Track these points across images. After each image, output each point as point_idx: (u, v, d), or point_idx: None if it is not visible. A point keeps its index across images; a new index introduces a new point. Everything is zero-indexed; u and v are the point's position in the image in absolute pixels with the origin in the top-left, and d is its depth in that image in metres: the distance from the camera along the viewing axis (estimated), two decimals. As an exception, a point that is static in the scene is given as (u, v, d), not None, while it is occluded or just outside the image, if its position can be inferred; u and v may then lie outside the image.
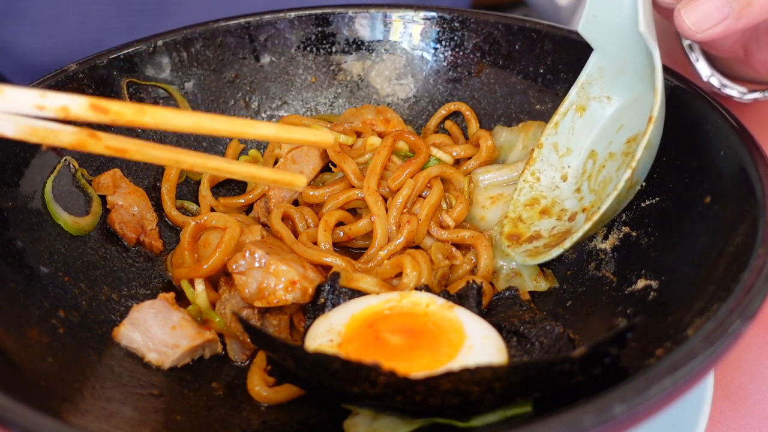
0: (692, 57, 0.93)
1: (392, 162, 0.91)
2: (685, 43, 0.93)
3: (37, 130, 0.59)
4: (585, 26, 0.81)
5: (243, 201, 0.93)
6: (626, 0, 0.76)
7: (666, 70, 0.82)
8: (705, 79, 0.93)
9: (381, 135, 0.94)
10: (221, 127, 0.63)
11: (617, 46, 0.80)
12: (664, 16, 0.77)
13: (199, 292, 0.79)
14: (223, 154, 0.99)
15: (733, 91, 0.92)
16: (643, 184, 0.80)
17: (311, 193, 0.90)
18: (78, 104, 0.58)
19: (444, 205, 0.89)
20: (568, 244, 0.76)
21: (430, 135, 0.98)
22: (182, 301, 0.80)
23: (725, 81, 0.93)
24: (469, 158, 0.93)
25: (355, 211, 0.91)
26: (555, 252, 0.77)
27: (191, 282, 0.80)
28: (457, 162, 0.94)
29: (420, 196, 0.88)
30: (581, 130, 0.86)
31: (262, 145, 1.01)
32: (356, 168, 0.90)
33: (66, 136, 0.60)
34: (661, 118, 0.73)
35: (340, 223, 0.88)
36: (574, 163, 0.86)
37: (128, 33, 1.22)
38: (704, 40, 0.71)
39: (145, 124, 0.61)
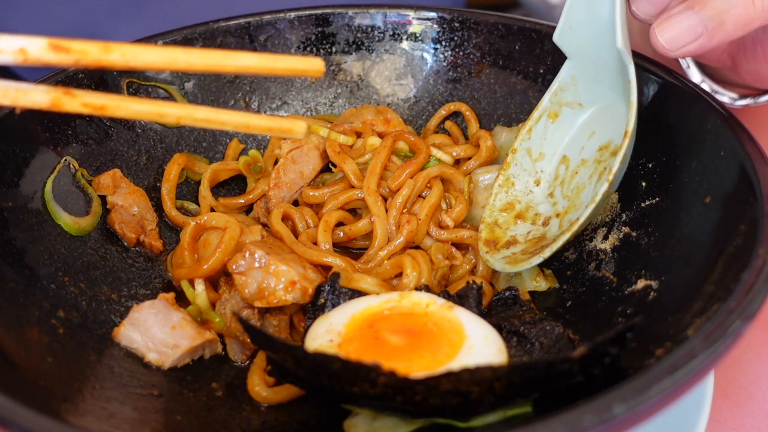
0: (683, 64, 0.94)
1: (392, 162, 0.91)
2: None
3: (7, 91, 0.56)
4: (560, 35, 0.82)
5: (243, 201, 0.93)
6: (603, 13, 0.77)
7: (666, 69, 0.82)
8: None
9: (381, 135, 0.94)
10: (196, 60, 0.58)
11: (591, 55, 0.81)
12: (641, 23, 0.77)
13: (199, 292, 0.79)
14: (223, 154, 0.99)
15: (724, 97, 0.93)
16: (643, 184, 0.80)
17: (311, 193, 0.90)
18: (36, 45, 0.54)
19: (444, 206, 0.89)
20: (547, 253, 0.77)
21: (430, 135, 0.98)
22: (182, 301, 0.80)
23: (716, 87, 0.93)
24: (469, 158, 0.93)
25: (355, 211, 0.91)
26: (535, 260, 0.78)
27: (191, 282, 0.80)
28: (457, 162, 0.94)
29: (420, 196, 0.88)
30: (554, 136, 0.88)
31: (262, 145, 1.01)
32: (356, 168, 0.90)
33: (39, 95, 0.56)
34: (634, 131, 0.75)
35: (340, 224, 0.87)
36: (547, 168, 0.88)
37: (113, 15, 1.23)
38: (679, 57, 0.73)
39: (112, 62, 0.56)
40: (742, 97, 0.93)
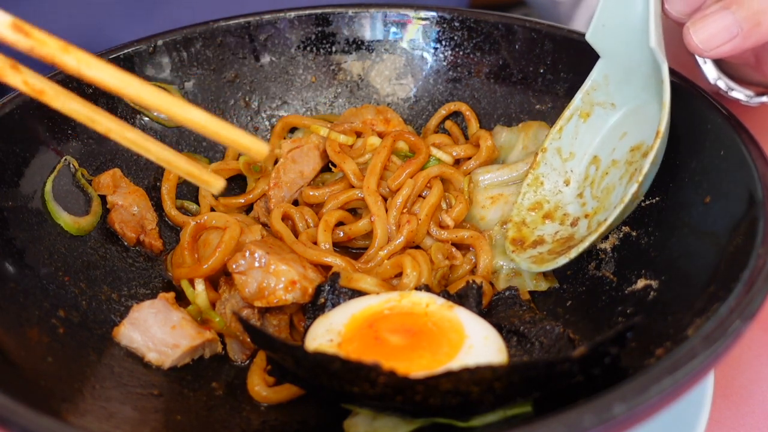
0: (699, 60, 0.93)
1: (392, 162, 0.91)
2: None
3: None
4: (593, 34, 0.81)
5: (243, 201, 0.93)
6: (637, 12, 0.76)
7: (668, 70, 0.82)
8: (712, 82, 0.93)
9: (381, 135, 0.94)
10: (146, 96, 0.57)
11: (624, 55, 0.80)
12: (674, 23, 0.77)
13: (198, 292, 0.79)
14: (223, 154, 0.99)
15: (741, 94, 0.92)
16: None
17: (311, 193, 0.90)
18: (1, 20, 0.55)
19: (444, 205, 0.89)
20: (574, 254, 0.77)
21: (430, 135, 0.98)
22: (182, 301, 0.80)
23: (732, 84, 0.92)
24: (469, 158, 0.93)
25: (355, 211, 0.91)
26: (561, 260, 0.78)
27: (191, 282, 0.80)
28: (457, 162, 0.94)
29: (420, 196, 0.88)
30: (585, 136, 0.87)
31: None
32: (356, 168, 0.90)
33: None
34: (667, 132, 0.73)
35: (340, 223, 0.87)
36: (577, 168, 0.87)
37: (127, 18, 1.23)
38: (712, 57, 0.71)
39: (64, 63, 0.56)
40: (759, 94, 0.92)
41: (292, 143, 0.93)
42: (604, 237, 0.82)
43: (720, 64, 0.93)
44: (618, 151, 0.84)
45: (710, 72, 0.93)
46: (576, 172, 0.87)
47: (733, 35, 0.69)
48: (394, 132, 0.92)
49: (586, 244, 0.76)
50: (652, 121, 0.76)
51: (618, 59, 0.82)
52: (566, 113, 0.87)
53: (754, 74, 0.88)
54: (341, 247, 0.88)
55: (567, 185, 0.87)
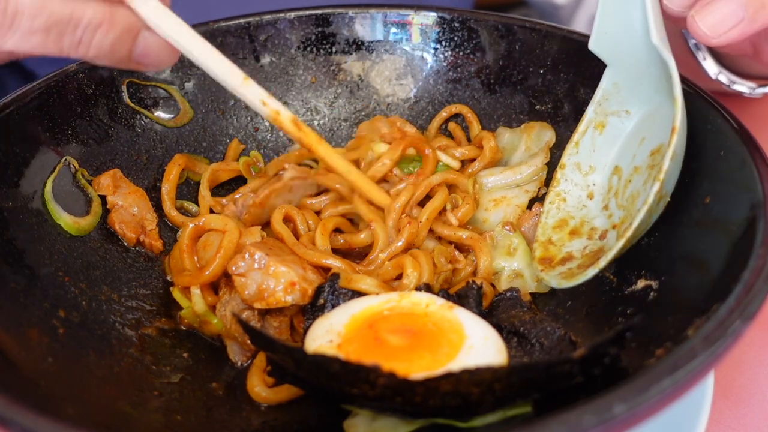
0: (699, 56, 0.93)
1: (393, 175, 0.90)
2: (691, 42, 0.93)
3: None
4: (596, 43, 0.80)
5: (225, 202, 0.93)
6: (636, 13, 0.75)
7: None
8: (713, 77, 0.92)
9: (389, 141, 0.93)
10: (361, 184, 0.83)
11: (630, 59, 0.79)
12: (671, 21, 0.77)
13: (195, 297, 0.79)
14: (223, 155, 0.99)
15: (743, 87, 0.92)
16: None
17: (309, 201, 0.90)
18: (287, 116, 0.75)
19: (449, 206, 0.88)
20: (603, 263, 0.74)
21: (433, 138, 0.98)
22: (175, 305, 0.81)
23: (734, 78, 0.92)
24: (473, 160, 0.93)
25: (352, 221, 0.90)
26: (591, 272, 0.75)
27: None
28: (462, 163, 0.94)
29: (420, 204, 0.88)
30: (603, 147, 0.85)
31: (262, 146, 1.01)
32: (343, 183, 0.88)
33: None
34: (683, 127, 0.72)
35: (341, 229, 0.87)
36: (599, 180, 0.85)
37: None
38: (720, 44, 0.71)
39: (317, 150, 0.78)
40: (761, 85, 0.92)
41: (300, 171, 0.91)
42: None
43: (720, 58, 0.93)
44: (638, 158, 0.81)
45: (710, 67, 0.92)
46: (598, 185, 0.85)
47: (740, 19, 0.69)
48: (403, 141, 0.91)
49: (614, 252, 0.73)
50: (669, 121, 0.74)
51: (625, 65, 0.80)
52: (580, 127, 0.85)
53: (753, 65, 0.88)
54: (342, 254, 0.88)
55: (591, 199, 0.85)
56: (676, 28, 0.91)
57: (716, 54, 0.93)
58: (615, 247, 0.74)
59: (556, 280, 0.79)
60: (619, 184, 0.83)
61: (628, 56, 0.79)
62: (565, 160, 0.86)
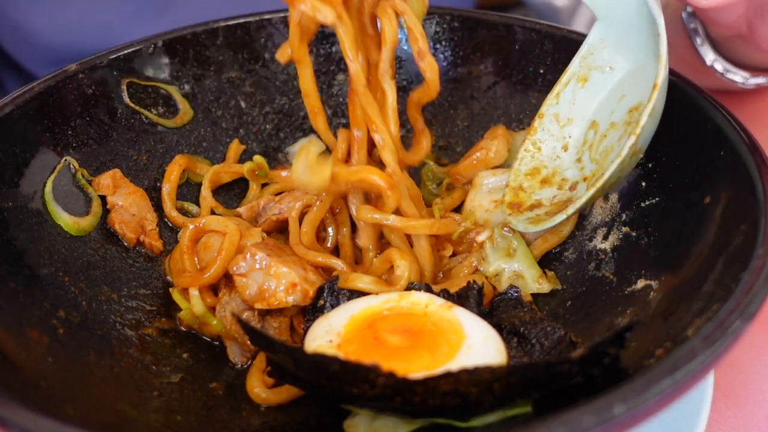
0: (697, 41, 0.93)
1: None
2: (690, 26, 0.93)
3: None
4: None
5: (242, 210, 0.92)
6: None
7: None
8: (709, 63, 0.92)
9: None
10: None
11: (621, 16, 0.80)
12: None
13: (194, 298, 0.79)
14: (223, 155, 0.98)
15: (737, 76, 0.92)
16: (643, 184, 0.80)
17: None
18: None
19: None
20: (570, 210, 0.76)
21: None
22: (173, 305, 0.81)
23: (729, 66, 0.92)
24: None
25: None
26: (558, 218, 0.77)
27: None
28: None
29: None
30: (583, 101, 0.86)
31: (263, 148, 1.01)
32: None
33: None
34: (665, 86, 0.72)
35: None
36: (575, 133, 0.86)
37: (135, 17, 1.23)
38: (710, 6, 0.70)
39: None
40: (755, 76, 0.92)
41: (304, 203, 0.87)
42: (604, 237, 0.82)
43: (716, 45, 0.93)
44: (616, 114, 0.82)
45: (707, 53, 0.92)
46: (574, 138, 0.86)
47: None
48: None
49: (583, 200, 0.75)
50: (650, 81, 0.75)
51: (615, 21, 0.81)
52: (563, 79, 0.86)
53: (747, 51, 0.88)
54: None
55: (565, 151, 0.86)
56: (676, 15, 0.91)
57: (713, 41, 0.92)
58: (584, 196, 0.75)
59: (523, 224, 0.81)
60: (595, 138, 0.84)
61: (618, 13, 0.80)
62: (544, 110, 0.87)
